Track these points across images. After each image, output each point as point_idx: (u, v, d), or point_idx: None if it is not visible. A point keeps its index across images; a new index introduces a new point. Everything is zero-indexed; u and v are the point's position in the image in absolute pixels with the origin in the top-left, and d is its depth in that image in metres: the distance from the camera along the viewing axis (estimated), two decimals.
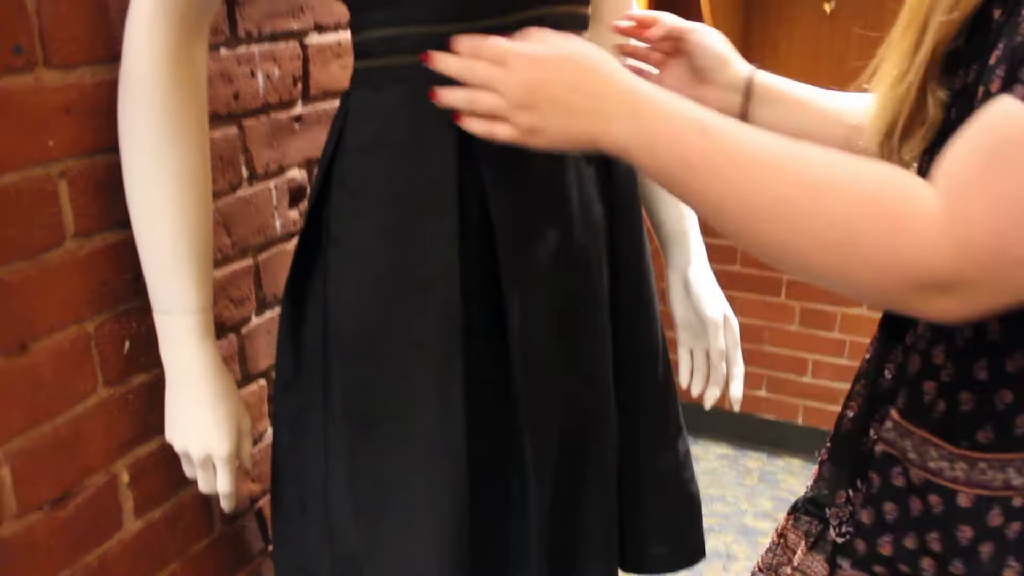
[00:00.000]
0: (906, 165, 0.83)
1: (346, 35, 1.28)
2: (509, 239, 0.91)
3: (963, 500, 0.76)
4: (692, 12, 2.58)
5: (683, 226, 1.21)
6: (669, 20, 0.98)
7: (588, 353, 1.02)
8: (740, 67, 1.00)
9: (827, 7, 2.67)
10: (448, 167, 0.88)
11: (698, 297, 1.19)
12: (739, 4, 2.70)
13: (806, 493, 0.92)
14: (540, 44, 0.79)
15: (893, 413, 0.80)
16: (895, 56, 0.79)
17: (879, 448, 0.81)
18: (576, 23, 0.97)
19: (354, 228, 0.92)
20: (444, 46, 0.84)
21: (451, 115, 0.84)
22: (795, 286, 3.01)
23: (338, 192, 0.93)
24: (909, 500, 0.79)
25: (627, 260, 1.06)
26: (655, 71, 1.00)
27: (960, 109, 0.74)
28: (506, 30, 0.88)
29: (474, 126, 0.81)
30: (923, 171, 0.80)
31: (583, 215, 0.98)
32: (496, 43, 0.79)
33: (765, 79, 1.00)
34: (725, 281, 3.00)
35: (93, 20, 0.92)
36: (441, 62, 0.82)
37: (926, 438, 0.77)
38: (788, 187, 0.69)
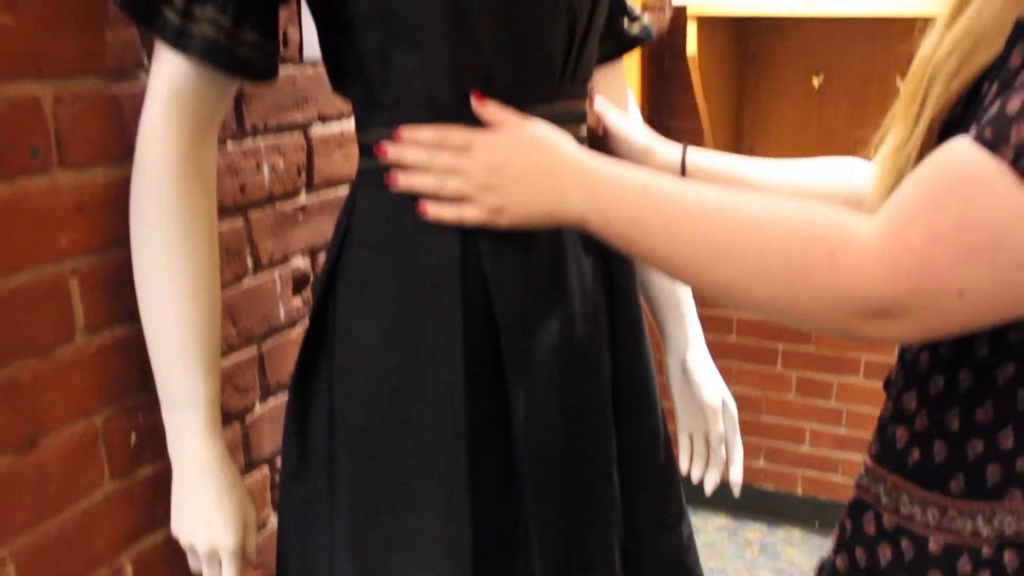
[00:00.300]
0: None
1: (349, 124, 1.31)
2: (513, 333, 0.93)
3: (934, 546, 0.77)
4: (684, 88, 2.63)
5: (680, 312, 1.23)
6: (603, 111, 1.07)
7: (591, 441, 1.03)
8: (667, 152, 1.05)
9: (815, 82, 2.73)
10: (452, 265, 0.90)
11: (697, 382, 1.21)
12: (730, 80, 2.76)
13: None
14: (499, 128, 0.86)
15: (866, 458, 0.82)
16: (898, 126, 0.83)
17: (853, 494, 0.83)
18: (575, 118, 1.00)
19: (360, 323, 0.93)
20: None
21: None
22: (791, 356, 3.02)
23: (344, 288, 0.95)
24: (880, 546, 0.80)
25: (627, 348, 1.08)
26: None
27: None
28: None
29: (444, 213, 0.87)
30: None
31: (584, 306, 1.00)
32: (458, 132, 0.86)
33: (697, 159, 1.05)
34: (721, 351, 3.05)
35: (107, 121, 0.95)
36: (404, 154, 0.88)
37: (898, 483, 0.79)
38: (729, 230, 0.74)
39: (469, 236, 0.90)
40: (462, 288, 0.91)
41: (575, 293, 0.99)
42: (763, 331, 3.07)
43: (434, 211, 0.88)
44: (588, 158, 0.84)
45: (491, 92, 0.89)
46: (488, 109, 0.88)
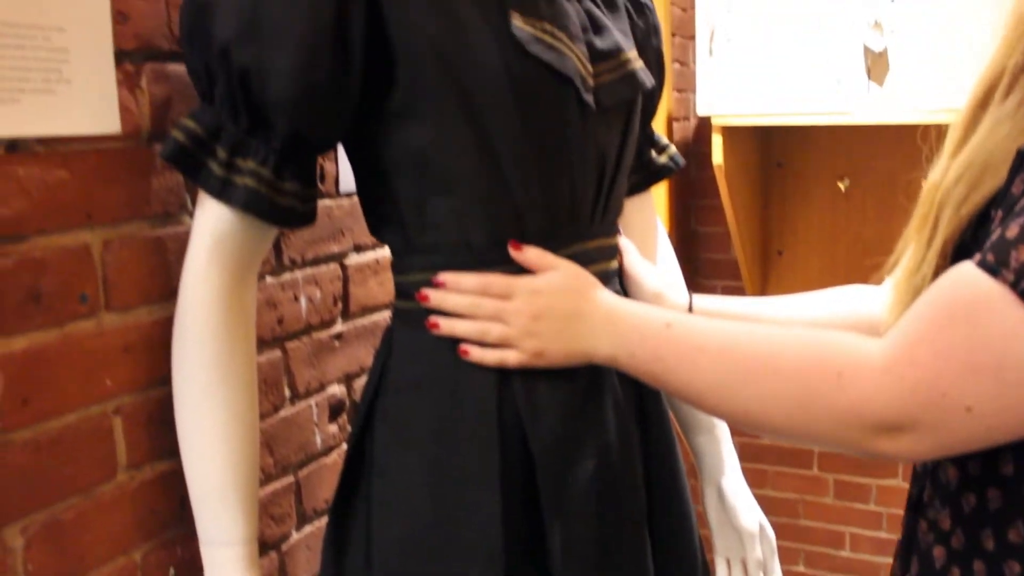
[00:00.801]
0: None
1: (384, 252, 1.34)
2: (549, 469, 0.94)
3: None
4: (710, 194, 2.67)
5: (714, 436, 1.23)
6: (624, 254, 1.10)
7: (629, 572, 1.03)
8: (676, 298, 1.08)
9: (842, 186, 2.76)
10: (488, 405, 0.92)
11: (733, 508, 1.20)
12: (755, 186, 2.79)
13: None
14: (538, 273, 0.91)
15: None
16: (912, 249, 0.86)
17: None
18: (607, 255, 1.03)
19: (397, 462, 0.95)
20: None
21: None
22: (828, 458, 2.98)
23: (381, 426, 0.96)
24: None
25: (662, 476, 1.08)
26: None
27: None
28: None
29: (486, 357, 0.90)
30: None
31: (619, 437, 1.00)
32: (499, 279, 0.90)
33: (705, 305, 1.09)
34: (755, 454, 3.01)
35: (152, 263, 0.98)
36: (446, 300, 0.91)
37: None
38: (745, 359, 0.79)
39: (505, 375, 0.92)
40: (499, 426, 0.92)
41: (611, 425, 1.00)
42: None
43: (476, 355, 0.91)
44: (615, 300, 0.91)
45: (524, 236, 0.92)
46: (527, 254, 0.91)
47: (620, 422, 1.00)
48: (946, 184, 0.82)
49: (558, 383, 0.95)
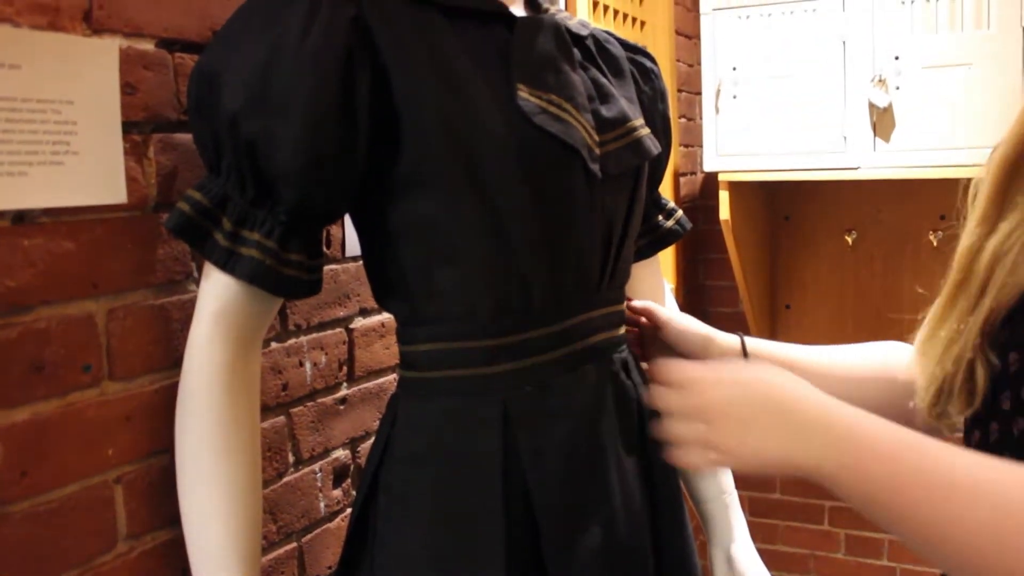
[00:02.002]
0: (952, 425, 0.85)
1: (389, 316, 1.34)
2: (555, 540, 0.93)
3: None
4: (718, 248, 2.67)
5: (723, 503, 1.22)
6: (652, 308, 1.10)
7: None
8: (727, 339, 1.08)
9: (848, 239, 2.76)
10: (493, 476, 0.91)
11: (741, 574, 1.18)
12: (763, 239, 2.79)
13: None
14: (735, 370, 0.80)
15: None
16: (942, 314, 0.83)
17: None
18: (613, 323, 1.02)
19: (399, 534, 0.93)
20: (489, 359, 0.90)
21: (497, 424, 0.89)
22: (839, 512, 2.95)
23: (385, 498, 0.95)
24: None
25: (671, 543, 1.06)
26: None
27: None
28: (547, 341, 0.94)
29: (688, 459, 0.80)
30: (969, 436, 0.83)
31: (626, 506, 0.99)
32: (676, 366, 0.80)
33: (756, 345, 1.07)
34: (766, 509, 2.98)
35: (156, 331, 0.98)
36: (656, 400, 0.82)
37: None
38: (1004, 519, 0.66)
39: (511, 445, 0.91)
40: (504, 497, 0.91)
41: (616, 492, 0.98)
42: (809, 488, 3.00)
43: (675, 456, 0.81)
44: (832, 402, 0.76)
45: (529, 305, 0.92)
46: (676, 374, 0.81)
47: (625, 489, 0.99)
48: (994, 248, 0.79)
49: (564, 452, 0.94)
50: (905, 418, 0.88)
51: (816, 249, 2.83)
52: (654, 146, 1.04)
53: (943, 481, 0.69)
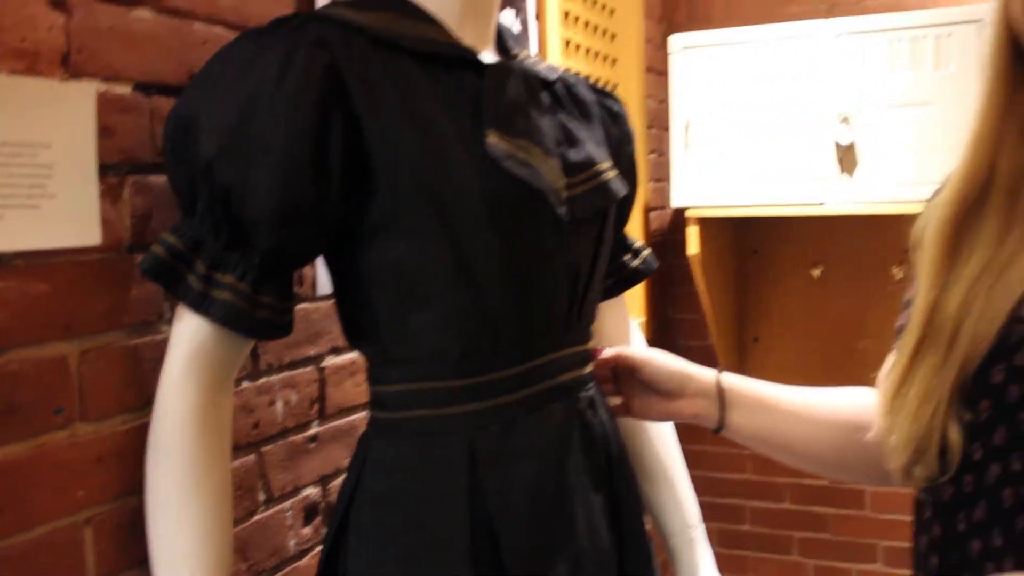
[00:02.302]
0: (924, 479, 0.86)
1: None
2: (522, 563, 0.94)
3: None
4: (687, 282, 2.70)
5: (689, 536, 1.24)
6: (623, 354, 1.11)
7: None
8: (705, 375, 1.09)
9: (815, 273, 2.80)
10: (460, 517, 0.92)
11: None
12: (730, 273, 2.84)
13: None
14: None
15: None
16: (917, 374, 0.85)
17: None
18: (579, 362, 1.04)
19: (370, 572, 0.95)
20: (456, 399, 0.92)
21: (463, 465, 0.90)
22: (808, 544, 2.98)
23: (355, 537, 0.96)
24: None
25: None
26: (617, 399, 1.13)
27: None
28: (514, 381, 0.96)
29: None
30: (941, 490, 0.84)
31: (592, 544, 1.01)
32: None
33: (733, 382, 1.10)
34: (735, 540, 3.00)
35: (128, 372, 0.99)
36: None
37: None
38: None
39: (476, 487, 0.93)
40: (471, 536, 0.92)
41: (582, 530, 1.00)
42: (778, 520, 3.03)
43: None
44: None
45: (498, 345, 0.94)
46: None
47: (591, 526, 1.01)
48: (960, 299, 0.83)
49: (529, 493, 0.95)
50: (878, 465, 0.91)
51: (784, 283, 2.87)
52: (620, 188, 1.07)
53: None
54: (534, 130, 0.96)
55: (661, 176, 2.85)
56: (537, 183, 0.93)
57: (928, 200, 0.94)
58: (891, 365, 0.90)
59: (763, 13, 2.90)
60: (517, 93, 0.97)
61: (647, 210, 2.74)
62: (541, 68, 1.07)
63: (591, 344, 1.09)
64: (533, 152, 0.95)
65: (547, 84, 1.06)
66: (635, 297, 2.71)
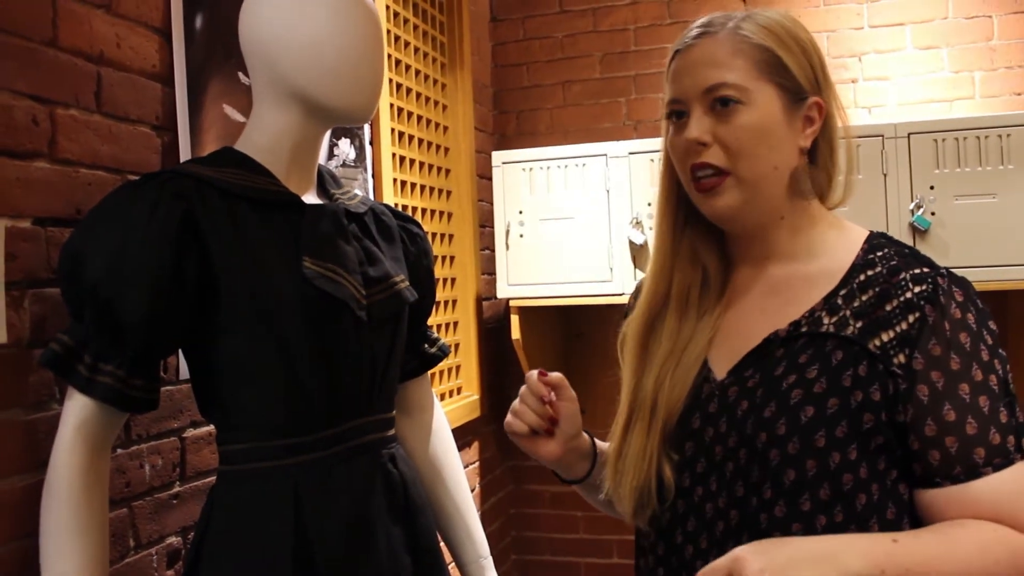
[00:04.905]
0: (644, 519, 1.14)
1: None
2: None
3: None
4: (517, 363, 3.07)
5: (481, 565, 1.57)
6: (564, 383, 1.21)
7: None
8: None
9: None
10: (288, 542, 1.23)
11: None
12: (556, 356, 3.20)
13: None
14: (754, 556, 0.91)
15: None
16: (630, 439, 1.14)
17: None
18: (385, 427, 1.38)
19: None
20: (284, 454, 1.24)
21: (290, 504, 1.22)
22: None
23: (207, 565, 1.26)
24: None
25: None
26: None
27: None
28: (328, 440, 1.28)
29: None
30: (659, 519, 1.12)
31: (391, 564, 1.33)
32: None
33: (598, 442, 1.29)
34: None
35: (25, 441, 1.27)
36: None
37: None
38: (970, 565, 0.96)
39: (300, 519, 1.24)
40: (294, 557, 1.23)
41: (384, 555, 1.32)
42: (609, 573, 3.37)
43: None
44: (832, 537, 1.00)
45: (313, 414, 1.27)
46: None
47: (392, 552, 1.33)
48: (654, 380, 1.14)
49: (341, 522, 1.27)
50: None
51: (606, 361, 3.25)
52: (411, 294, 1.42)
53: (930, 556, 0.97)
54: (340, 256, 1.31)
55: (492, 270, 3.24)
56: (341, 295, 1.28)
57: (626, 306, 1.29)
58: (611, 437, 1.19)
59: (581, 128, 3.37)
60: (327, 229, 1.32)
61: (480, 300, 3.12)
62: (353, 204, 1.43)
63: (536, 370, 1.20)
64: (339, 272, 1.29)
65: (357, 216, 1.42)
66: (471, 376, 3.07)
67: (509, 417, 1.21)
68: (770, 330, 1.10)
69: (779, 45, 1.10)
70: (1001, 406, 1.02)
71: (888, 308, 1.05)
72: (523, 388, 1.21)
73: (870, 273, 1.09)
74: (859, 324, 1.06)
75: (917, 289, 1.05)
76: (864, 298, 1.07)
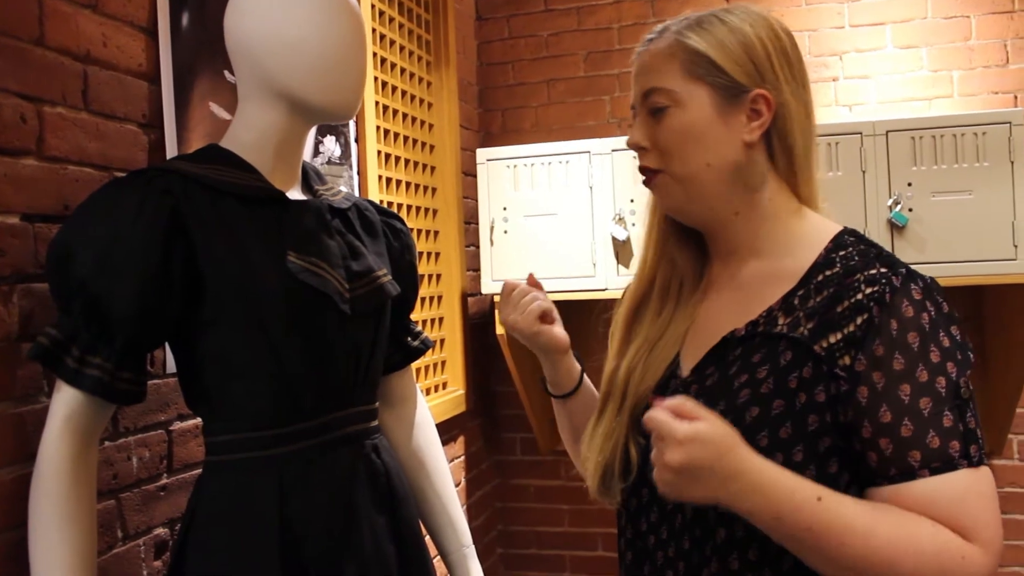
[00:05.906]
0: (614, 499, 1.21)
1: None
2: (321, 570, 1.29)
3: None
4: (501, 358, 3.10)
5: (463, 554, 1.60)
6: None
7: None
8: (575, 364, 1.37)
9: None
10: (273, 531, 1.26)
11: None
12: None
13: None
14: (689, 425, 0.96)
15: None
16: (602, 420, 1.20)
17: None
18: (368, 418, 1.41)
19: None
20: (269, 445, 1.27)
21: (275, 492, 1.25)
22: None
23: (193, 554, 1.28)
24: None
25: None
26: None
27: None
28: (313, 431, 1.31)
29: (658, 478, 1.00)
30: (627, 503, 1.19)
31: (375, 552, 1.36)
32: (663, 425, 0.96)
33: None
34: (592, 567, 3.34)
35: (14, 433, 1.29)
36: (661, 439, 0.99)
37: None
38: (891, 544, 0.96)
39: (284, 508, 1.27)
40: (280, 544, 1.26)
41: (368, 543, 1.35)
42: (593, 566, 3.41)
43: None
44: (761, 463, 0.97)
45: (298, 405, 1.29)
46: (668, 403, 0.98)
47: (375, 540, 1.36)
48: (627, 365, 1.20)
49: (324, 511, 1.30)
50: None
51: (589, 355, 3.29)
52: (394, 288, 1.45)
53: (842, 526, 0.96)
54: (323, 251, 1.34)
55: (476, 266, 3.27)
56: (324, 288, 1.31)
57: (623, 293, 1.33)
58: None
59: (565, 125, 3.40)
60: (311, 224, 1.34)
61: (465, 296, 3.14)
62: (337, 200, 1.45)
63: (527, 276, 1.34)
64: (322, 266, 1.32)
65: (340, 212, 1.44)
66: (456, 371, 3.10)
67: (512, 316, 1.31)
68: (732, 327, 1.13)
69: (713, 45, 1.12)
70: (947, 409, 1.01)
71: (839, 309, 1.06)
72: (506, 291, 1.33)
73: (828, 273, 1.09)
74: (810, 325, 1.07)
75: (868, 291, 1.05)
76: (819, 299, 1.08)
